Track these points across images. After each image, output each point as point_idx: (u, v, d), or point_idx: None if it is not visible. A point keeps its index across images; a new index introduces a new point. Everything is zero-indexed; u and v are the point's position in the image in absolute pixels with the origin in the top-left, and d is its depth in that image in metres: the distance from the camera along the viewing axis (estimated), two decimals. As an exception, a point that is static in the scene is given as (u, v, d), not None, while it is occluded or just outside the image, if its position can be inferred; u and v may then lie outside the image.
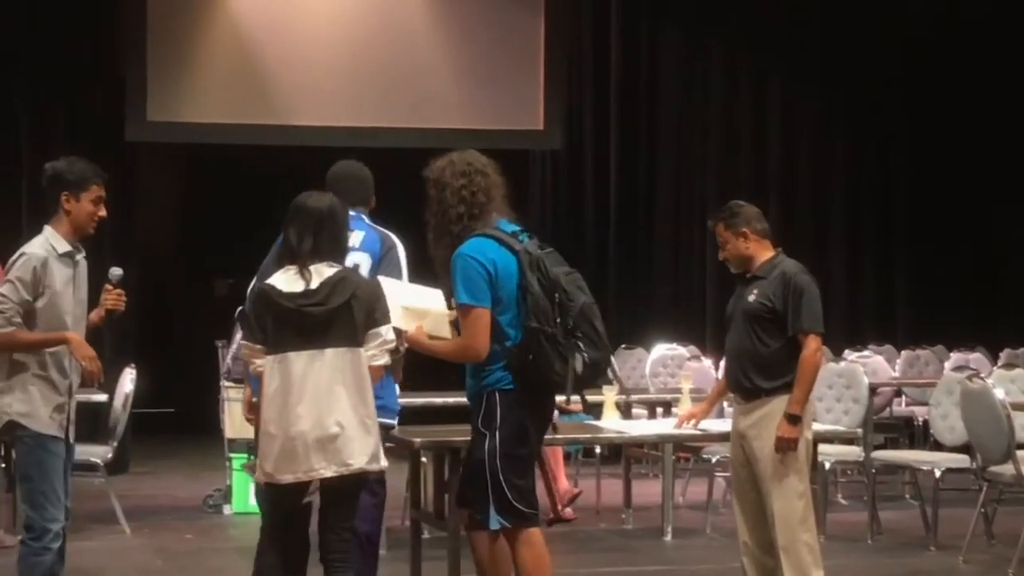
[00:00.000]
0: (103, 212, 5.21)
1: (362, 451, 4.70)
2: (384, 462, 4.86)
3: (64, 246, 5.10)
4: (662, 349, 11.03)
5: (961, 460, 7.99)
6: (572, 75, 12.87)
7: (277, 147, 12.17)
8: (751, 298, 5.70)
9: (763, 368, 5.64)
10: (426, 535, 6.39)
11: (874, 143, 13.51)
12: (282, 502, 4.83)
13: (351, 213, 5.28)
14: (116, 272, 5.26)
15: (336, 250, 4.84)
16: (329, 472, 4.66)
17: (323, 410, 4.65)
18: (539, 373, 4.81)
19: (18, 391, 4.99)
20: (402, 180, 13.31)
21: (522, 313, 4.81)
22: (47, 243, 5.09)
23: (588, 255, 12.98)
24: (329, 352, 4.67)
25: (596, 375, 4.98)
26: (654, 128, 13.10)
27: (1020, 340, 12.06)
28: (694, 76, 13.19)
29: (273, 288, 4.73)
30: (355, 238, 5.45)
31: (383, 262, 5.35)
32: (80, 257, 5.20)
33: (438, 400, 7.93)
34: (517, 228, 5.00)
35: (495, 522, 4.94)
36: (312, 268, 4.72)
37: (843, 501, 9.40)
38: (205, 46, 11.81)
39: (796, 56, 13.26)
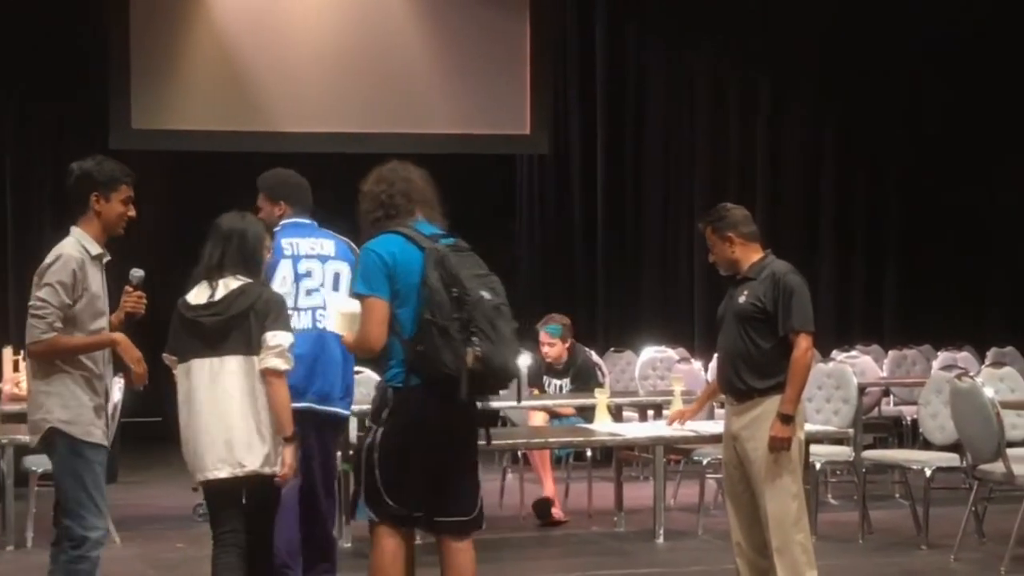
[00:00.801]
0: (133, 212, 5.14)
1: (255, 454, 4.93)
2: (277, 467, 4.98)
3: (95, 248, 5.00)
4: (651, 351, 11.03)
5: (951, 459, 8.00)
6: (558, 79, 12.89)
7: (263, 154, 12.14)
8: (741, 299, 5.71)
9: (755, 369, 5.65)
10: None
11: (863, 145, 13.54)
12: (212, 502, 5.13)
13: (307, 221, 5.60)
14: (137, 274, 5.18)
15: (243, 264, 5.11)
16: (223, 473, 4.93)
17: (220, 414, 4.96)
18: (430, 365, 4.73)
19: (59, 397, 4.87)
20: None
21: (420, 306, 4.79)
22: (79, 244, 4.96)
23: (576, 259, 13.01)
24: (227, 360, 4.99)
25: (497, 375, 4.81)
26: (640, 131, 13.12)
27: (1007, 339, 12.11)
28: (680, 79, 13.22)
29: (183, 300, 5.13)
30: (328, 247, 5.80)
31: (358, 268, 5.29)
32: (107, 259, 5.12)
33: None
34: (440, 232, 5.01)
35: (363, 513, 4.96)
36: (220, 281, 5.06)
37: (833, 501, 9.41)
38: (189, 53, 11.80)
39: (783, 58, 13.29)
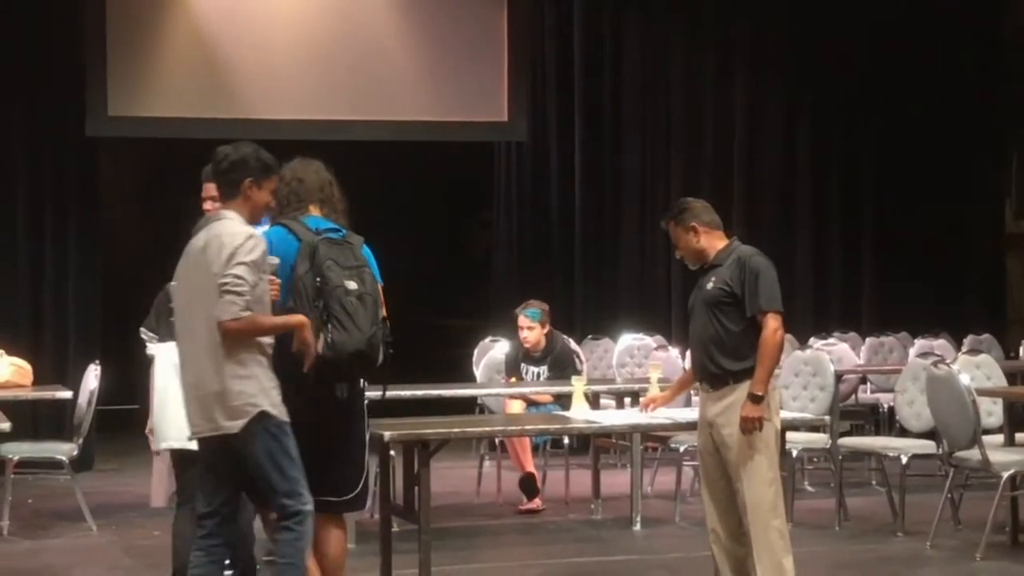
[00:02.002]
0: (274, 204, 5.25)
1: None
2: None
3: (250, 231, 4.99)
4: (628, 339, 11.03)
5: (927, 446, 8.03)
6: (536, 66, 12.85)
7: (240, 141, 12.10)
8: (709, 286, 5.72)
9: (728, 353, 5.64)
10: (396, 528, 6.38)
11: (839, 132, 13.55)
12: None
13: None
14: (273, 261, 5.10)
15: None
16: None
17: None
18: (287, 350, 4.94)
19: (256, 380, 4.83)
20: (367, 173, 13.33)
21: (286, 295, 5.04)
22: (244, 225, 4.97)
23: (554, 246, 12.99)
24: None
25: (350, 362, 5.02)
26: (618, 118, 13.10)
27: (984, 326, 12.15)
28: (658, 65, 13.20)
29: (171, 287, 5.33)
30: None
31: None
32: None
33: (406, 393, 7.92)
34: (329, 226, 5.25)
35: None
36: None
37: (810, 488, 9.44)
38: (167, 39, 11.73)
39: (761, 45, 13.28)
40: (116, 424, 11.27)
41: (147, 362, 6.04)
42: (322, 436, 5.06)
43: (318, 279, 5.05)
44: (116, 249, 13.37)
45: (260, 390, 4.81)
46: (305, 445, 4.93)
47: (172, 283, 5.35)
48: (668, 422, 6.54)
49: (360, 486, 5.17)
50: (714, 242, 5.80)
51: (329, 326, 4.99)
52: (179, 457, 5.72)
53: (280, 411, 4.85)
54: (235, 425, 4.77)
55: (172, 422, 5.58)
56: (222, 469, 4.88)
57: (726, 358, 5.66)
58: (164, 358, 5.77)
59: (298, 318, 4.93)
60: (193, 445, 5.09)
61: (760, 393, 5.54)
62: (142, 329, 6.14)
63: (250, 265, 4.79)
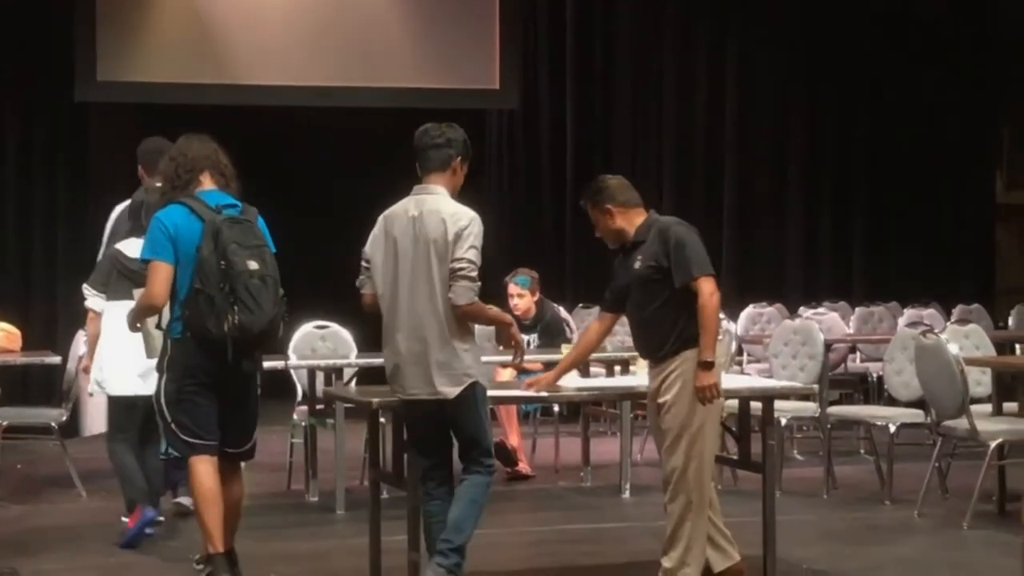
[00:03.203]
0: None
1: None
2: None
3: (470, 212, 5.32)
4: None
5: (915, 415, 8.06)
6: (528, 34, 12.82)
7: (230, 107, 12.05)
8: (637, 265, 5.63)
9: (667, 326, 5.56)
10: (385, 495, 6.39)
11: (831, 104, 13.55)
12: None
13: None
14: None
15: None
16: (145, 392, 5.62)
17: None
18: (197, 328, 5.45)
19: (473, 354, 5.33)
20: (360, 138, 13.31)
21: (194, 274, 5.44)
22: None
23: (545, 214, 12.99)
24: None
25: (256, 340, 5.50)
26: (610, 87, 13.08)
27: (973, 296, 12.18)
28: (650, 34, 13.17)
29: (118, 250, 6.78)
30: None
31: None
32: None
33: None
34: (227, 202, 5.60)
35: (165, 449, 5.78)
36: None
37: (799, 457, 9.47)
38: (156, 4, 11.68)
39: (753, 15, 13.25)
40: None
41: (81, 313, 7.20)
42: (232, 400, 5.64)
43: (223, 262, 5.42)
44: (106, 214, 13.31)
45: (475, 361, 5.30)
46: (221, 407, 5.60)
47: (118, 246, 6.77)
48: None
49: (253, 440, 5.82)
50: (633, 220, 5.70)
51: (236, 308, 5.41)
52: (115, 402, 6.84)
53: (484, 380, 5.40)
54: (453, 392, 5.24)
55: (117, 372, 6.75)
56: (430, 427, 5.37)
57: (664, 332, 5.55)
58: (113, 314, 6.62)
59: (507, 318, 5.59)
60: (129, 392, 6.40)
61: (709, 359, 5.46)
62: (85, 286, 7.01)
63: (479, 248, 5.22)
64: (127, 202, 7.17)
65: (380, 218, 5.44)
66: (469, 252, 5.19)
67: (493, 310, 5.47)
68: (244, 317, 5.41)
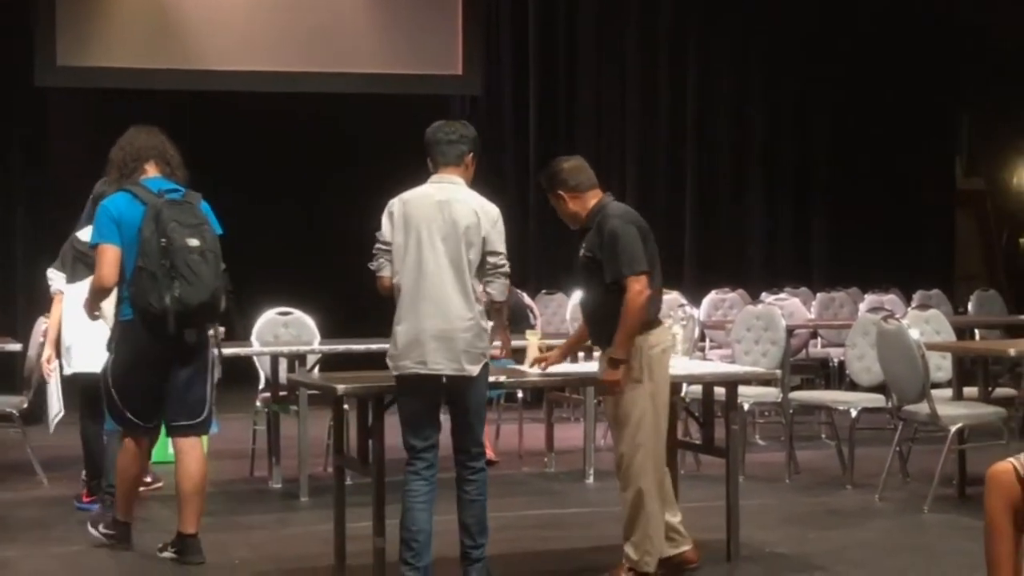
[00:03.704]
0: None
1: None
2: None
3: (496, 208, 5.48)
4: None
5: (877, 400, 8.11)
6: (491, 20, 12.80)
7: (191, 92, 11.99)
8: (581, 252, 5.67)
9: (604, 316, 5.58)
10: (349, 481, 6.38)
11: (793, 89, 13.60)
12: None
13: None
14: None
15: None
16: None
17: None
18: (141, 304, 5.83)
19: (489, 334, 5.49)
20: (322, 124, 13.25)
21: (137, 254, 5.84)
22: None
23: (508, 201, 12.95)
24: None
25: (197, 312, 5.87)
26: (573, 73, 13.08)
27: (933, 282, 12.27)
28: (613, 20, 13.17)
29: (76, 239, 7.02)
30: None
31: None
32: None
33: (360, 347, 7.90)
34: (169, 187, 6.03)
35: (111, 425, 6.37)
36: None
37: (761, 442, 9.52)
38: (116, -12, 11.59)
39: (715, 3, 13.28)
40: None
41: (41, 299, 7.57)
42: (180, 376, 5.98)
43: (163, 239, 5.82)
44: (65, 200, 13.22)
45: (488, 345, 5.47)
46: (164, 380, 5.95)
47: (77, 233, 7.03)
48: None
49: (206, 412, 6.11)
50: (587, 203, 5.68)
51: (176, 282, 5.80)
52: (85, 379, 6.99)
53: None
54: (475, 369, 5.37)
55: (84, 350, 6.99)
56: (431, 407, 5.44)
57: (607, 320, 5.57)
58: (73, 296, 6.92)
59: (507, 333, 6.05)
60: (97, 369, 6.20)
61: (618, 357, 5.47)
62: (50, 271, 7.34)
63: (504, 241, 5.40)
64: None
65: (396, 202, 5.43)
66: (502, 246, 5.38)
67: (503, 317, 5.88)
68: (184, 290, 5.80)
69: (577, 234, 5.78)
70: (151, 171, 6.11)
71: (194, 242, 5.86)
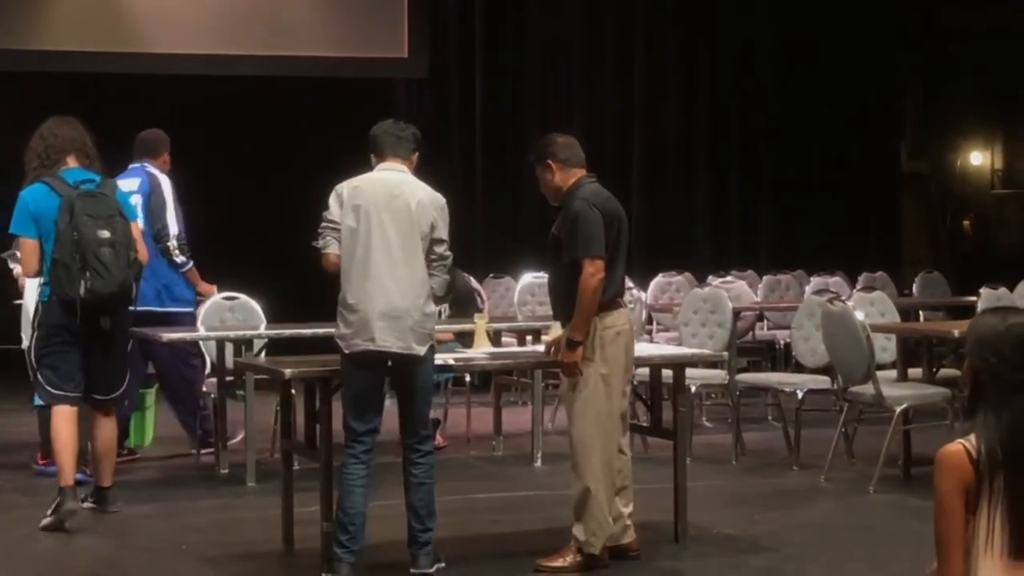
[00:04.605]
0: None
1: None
2: None
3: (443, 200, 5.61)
4: (529, 277, 11.04)
5: (822, 381, 8.16)
6: (437, 2, 12.74)
7: (133, 75, 11.85)
8: (552, 229, 5.72)
9: (562, 296, 5.64)
10: (297, 466, 6.35)
11: (737, 72, 13.65)
12: None
13: (134, 165, 7.98)
14: None
15: None
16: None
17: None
18: (57, 291, 6.33)
19: (435, 317, 5.54)
20: (267, 108, 13.13)
21: (53, 245, 6.31)
22: None
23: (455, 184, 12.92)
24: None
25: (108, 300, 6.34)
26: (520, 54, 13.05)
27: (878, 264, 12.36)
28: (559, 3, 13.16)
29: None
30: (133, 184, 7.90)
31: (152, 197, 7.96)
32: None
33: (307, 331, 7.85)
34: (85, 178, 6.46)
35: (36, 399, 6.84)
36: None
37: (708, 424, 9.57)
38: (57, -30, 11.44)
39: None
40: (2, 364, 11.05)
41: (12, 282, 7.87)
42: (96, 354, 6.49)
43: (75, 233, 6.26)
44: (9, 186, 13.04)
45: (435, 325, 5.52)
46: (83, 356, 6.44)
47: None
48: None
49: (123, 388, 6.70)
50: (569, 179, 5.74)
51: (88, 274, 6.25)
52: None
53: None
54: (422, 349, 5.41)
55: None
56: (375, 388, 5.48)
57: (560, 299, 5.66)
58: (34, 282, 7.02)
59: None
60: None
61: (575, 338, 5.51)
62: (6, 256, 7.71)
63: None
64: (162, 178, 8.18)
65: (345, 185, 5.47)
66: (447, 236, 5.48)
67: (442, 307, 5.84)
68: (95, 282, 6.27)
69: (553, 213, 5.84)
70: (71, 163, 6.54)
71: (105, 234, 6.31)
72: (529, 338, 8.67)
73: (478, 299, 9.55)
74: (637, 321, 8.88)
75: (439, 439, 8.73)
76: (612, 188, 5.99)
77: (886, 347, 8.10)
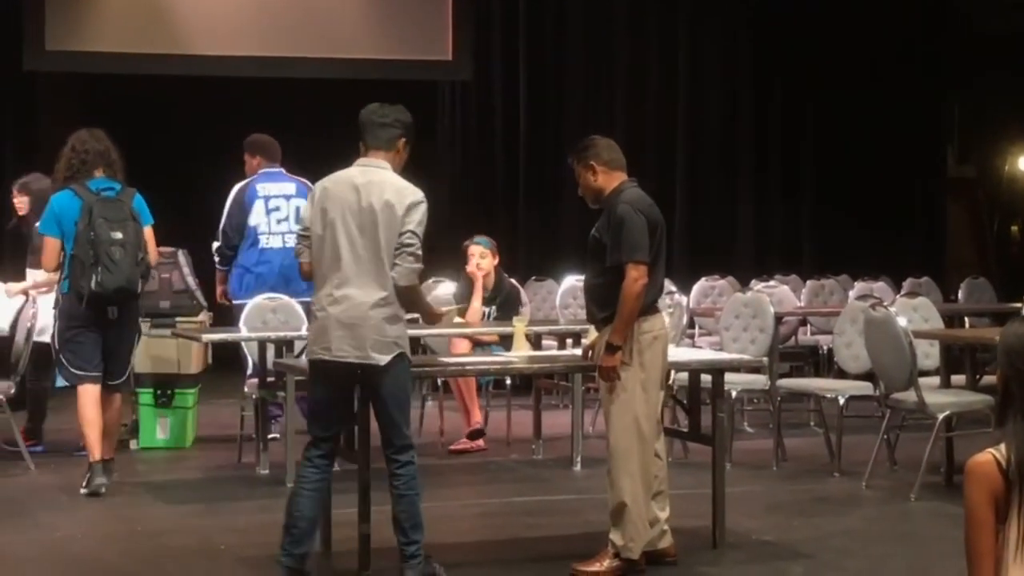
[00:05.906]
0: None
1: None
2: None
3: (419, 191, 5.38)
4: (571, 280, 11.03)
5: (864, 387, 8.11)
6: (481, 5, 12.77)
7: (179, 77, 11.94)
8: (593, 231, 5.70)
9: (601, 300, 5.63)
10: (336, 468, 6.36)
11: (783, 76, 13.59)
12: None
13: (275, 170, 8.75)
14: None
15: None
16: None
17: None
18: (74, 284, 7.14)
19: (404, 324, 5.29)
20: (312, 110, 13.19)
21: (73, 243, 7.14)
22: None
23: (498, 187, 12.96)
24: None
25: (116, 294, 7.13)
26: (563, 58, 13.07)
27: (922, 269, 12.28)
28: (603, 5, 13.15)
29: None
30: (290, 188, 8.76)
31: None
32: None
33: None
34: (107, 186, 7.24)
35: (60, 381, 7.66)
36: None
37: (749, 429, 9.53)
38: (106, -28, 11.54)
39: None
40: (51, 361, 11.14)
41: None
42: (109, 341, 7.27)
43: (92, 233, 7.08)
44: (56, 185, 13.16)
45: (404, 333, 5.25)
46: (97, 342, 7.21)
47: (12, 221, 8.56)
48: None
49: (127, 374, 7.49)
50: (612, 182, 5.72)
51: (99, 268, 7.06)
52: (37, 347, 8.03)
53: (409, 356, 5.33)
54: (383, 358, 5.18)
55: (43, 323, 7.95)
56: (338, 396, 5.33)
57: (599, 305, 5.64)
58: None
59: (439, 313, 5.69)
60: (45, 339, 7.72)
61: (615, 343, 5.50)
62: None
63: (423, 229, 5.21)
64: (243, 182, 8.75)
65: (318, 186, 5.38)
66: (418, 228, 5.18)
67: (424, 300, 5.56)
68: (104, 276, 7.07)
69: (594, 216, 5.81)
70: (97, 174, 7.28)
71: (117, 235, 7.12)
72: (569, 341, 8.67)
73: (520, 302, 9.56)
74: (678, 325, 8.85)
75: (479, 443, 8.74)
76: (654, 192, 5.98)
77: (929, 353, 8.04)
